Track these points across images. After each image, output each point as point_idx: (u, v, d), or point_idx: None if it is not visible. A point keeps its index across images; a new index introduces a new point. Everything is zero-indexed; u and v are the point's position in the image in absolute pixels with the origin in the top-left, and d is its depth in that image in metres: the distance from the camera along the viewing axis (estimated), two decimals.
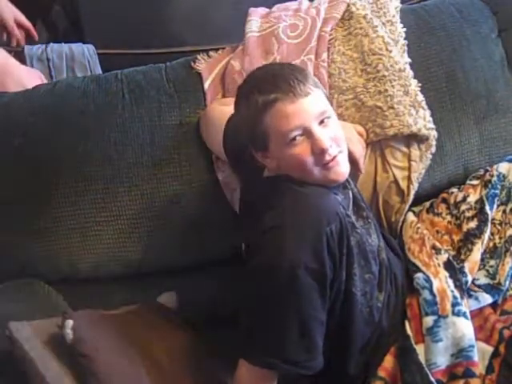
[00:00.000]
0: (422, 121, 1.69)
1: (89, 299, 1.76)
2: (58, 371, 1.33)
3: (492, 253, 1.61)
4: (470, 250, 1.58)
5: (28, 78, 1.92)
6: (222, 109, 1.68)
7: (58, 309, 1.61)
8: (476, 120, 1.82)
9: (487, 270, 1.58)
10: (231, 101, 1.71)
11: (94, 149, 1.73)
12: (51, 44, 2.18)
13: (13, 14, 2.11)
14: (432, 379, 1.37)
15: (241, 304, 1.39)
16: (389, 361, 1.44)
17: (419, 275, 1.52)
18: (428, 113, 1.72)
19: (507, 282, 1.55)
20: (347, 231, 1.34)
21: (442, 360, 1.41)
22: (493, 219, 1.66)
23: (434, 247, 1.60)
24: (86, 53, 2.17)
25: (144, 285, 1.81)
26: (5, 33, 2.12)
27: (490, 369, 1.41)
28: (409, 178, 1.71)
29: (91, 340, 1.38)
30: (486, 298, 1.53)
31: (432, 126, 1.71)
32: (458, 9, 1.89)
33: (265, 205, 1.39)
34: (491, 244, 1.63)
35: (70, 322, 1.36)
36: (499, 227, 1.66)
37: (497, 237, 1.64)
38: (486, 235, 1.61)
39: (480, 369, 1.40)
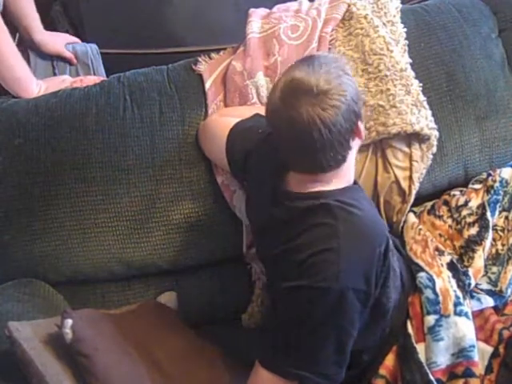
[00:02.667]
0: (424, 120, 1.69)
1: (89, 299, 1.77)
2: (58, 371, 1.33)
3: (494, 259, 1.62)
4: (472, 258, 1.58)
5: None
6: (223, 120, 1.68)
7: (58, 309, 1.61)
8: (476, 120, 1.82)
9: (489, 277, 1.59)
10: (229, 111, 1.72)
11: (94, 150, 1.73)
12: None
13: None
14: (431, 378, 1.38)
15: (275, 317, 1.41)
16: (390, 359, 1.45)
17: (422, 274, 1.52)
18: (429, 112, 1.72)
19: (509, 290, 1.55)
20: (390, 248, 1.37)
21: (442, 359, 1.41)
22: (495, 225, 1.66)
23: (437, 249, 1.60)
24: (89, 52, 2.17)
25: (144, 285, 1.82)
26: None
27: (489, 369, 1.42)
28: (410, 178, 1.71)
29: (91, 339, 1.37)
30: (489, 301, 1.53)
31: (434, 125, 1.71)
32: (458, 9, 1.89)
33: (303, 220, 1.37)
34: (493, 250, 1.63)
35: (69, 322, 1.35)
36: (501, 233, 1.66)
37: (499, 243, 1.64)
38: (488, 242, 1.61)
39: (479, 369, 1.41)
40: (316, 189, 1.39)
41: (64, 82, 1.96)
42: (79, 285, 1.79)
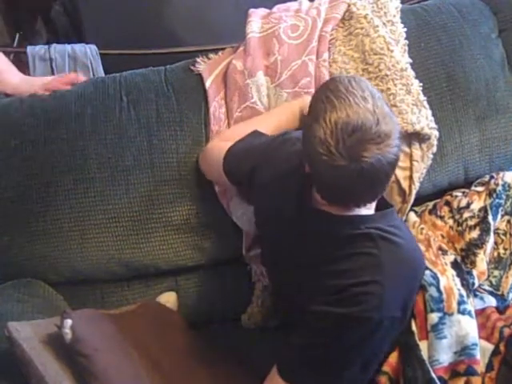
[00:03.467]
0: (425, 120, 1.69)
1: (88, 299, 1.77)
2: (57, 371, 1.32)
3: (496, 263, 1.62)
4: (474, 262, 1.58)
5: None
6: (223, 144, 1.66)
7: (57, 309, 1.61)
8: (476, 120, 1.81)
9: (490, 281, 1.59)
10: (230, 135, 1.69)
11: (91, 151, 1.73)
12: (54, 44, 2.19)
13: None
14: (433, 375, 1.38)
15: (300, 334, 1.38)
16: (393, 356, 1.44)
17: (426, 272, 1.51)
18: (430, 112, 1.72)
19: (511, 295, 1.56)
20: None
21: (444, 357, 1.41)
22: (497, 229, 1.66)
23: (440, 248, 1.60)
24: (88, 53, 2.18)
25: (144, 285, 1.81)
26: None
27: (489, 367, 1.42)
28: (410, 178, 1.71)
29: (90, 340, 1.37)
30: (491, 300, 1.54)
31: (434, 125, 1.71)
32: (458, 9, 1.89)
33: (343, 247, 1.35)
34: (495, 254, 1.64)
35: (68, 322, 1.35)
36: (503, 237, 1.66)
37: (501, 247, 1.64)
38: (489, 245, 1.61)
39: (481, 366, 1.41)
40: (351, 212, 1.35)
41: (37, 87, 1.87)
42: (79, 285, 1.78)
